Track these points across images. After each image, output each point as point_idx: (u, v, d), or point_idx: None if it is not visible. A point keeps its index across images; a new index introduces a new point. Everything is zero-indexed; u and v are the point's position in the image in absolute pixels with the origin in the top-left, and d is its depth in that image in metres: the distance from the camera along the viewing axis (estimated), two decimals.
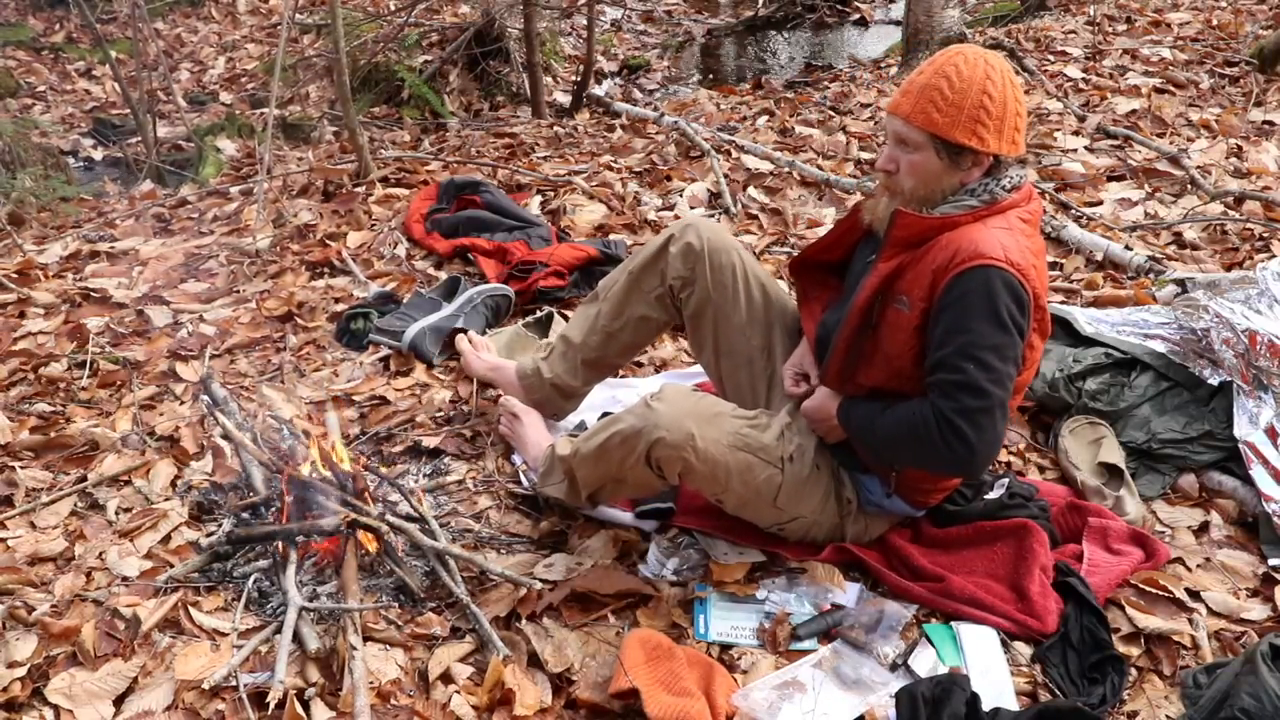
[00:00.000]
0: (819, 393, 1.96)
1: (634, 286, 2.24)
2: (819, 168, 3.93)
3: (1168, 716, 1.74)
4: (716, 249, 2.15)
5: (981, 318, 1.70)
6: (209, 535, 2.07)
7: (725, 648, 1.86)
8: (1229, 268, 3.01)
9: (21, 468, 2.33)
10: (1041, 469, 2.36)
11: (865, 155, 4.11)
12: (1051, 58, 5.31)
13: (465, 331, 2.71)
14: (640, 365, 2.76)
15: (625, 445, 1.85)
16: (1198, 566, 2.06)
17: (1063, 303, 2.83)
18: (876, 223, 1.88)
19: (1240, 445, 2.22)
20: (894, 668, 1.81)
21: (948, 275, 1.72)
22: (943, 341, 1.73)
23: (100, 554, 2.05)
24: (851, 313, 1.84)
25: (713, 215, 3.60)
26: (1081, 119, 4.31)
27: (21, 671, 1.75)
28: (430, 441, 2.40)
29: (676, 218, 3.57)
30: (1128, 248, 3.11)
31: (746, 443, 1.88)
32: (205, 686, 1.70)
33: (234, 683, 1.72)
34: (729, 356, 2.17)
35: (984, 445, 1.73)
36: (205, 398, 2.53)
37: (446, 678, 1.78)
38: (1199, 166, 3.76)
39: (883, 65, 6.24)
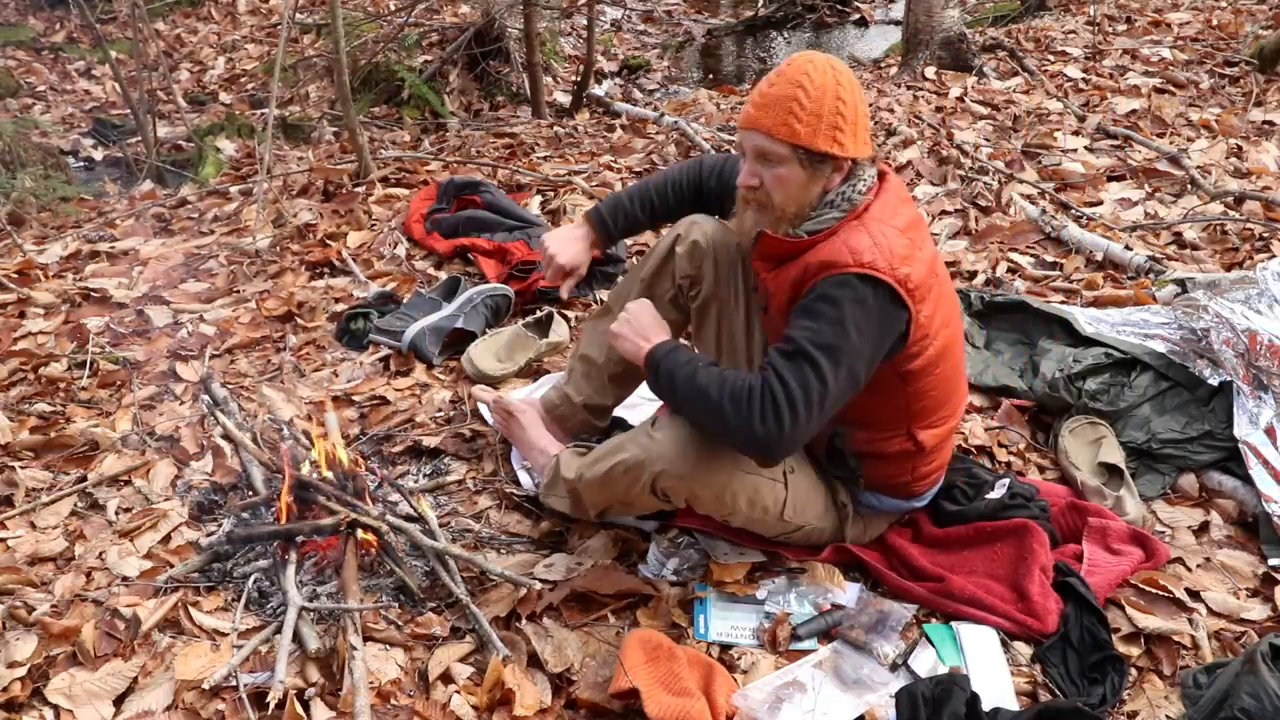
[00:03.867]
0: (642, 305, 1.96)
1: (648, 294, 2.19)
2: None
3: (1168, 716, 1.74)
4: (721, 244, 2.14)
5: (827, 317, 1.68)
6: (209, 535, 2.07)
7: (725, 648, 1.85)
8: (1229, 268, 3.01)
9: (21, 468, 2.33)
10: (1041, 469, 2.36)
11: None
12: (1051, 58, 5.31)
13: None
14: None
15: (629, 475, 1.85)
16: (1198, 566, 2.05)
17: (1063, 303, 2.83)
18: (744, 240, 1.90)
19: (1240, 445, 2.22)
20: (894, 668, 1.80)
21: (809, 282, 1.73)
22: (790, 323, 1.74)
23: (100, 554, 2.05)
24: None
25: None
26: (1081, 119, 4.31)
27: (21, 671, 1.75)
28: (430, 441, 2.40)
29: None
30: (1128, 248, 3.11)
31: (750, 463, 1.86)
32: (205, 686, 1.70)
33: (234, 683, 1.72)
34: (729, 355, 2.17)
35: (744, 417, 1.68)
36: (205, 398, 2.53)
37: (446, 678, 1.78)
38: (1199, 166, 3.76)
39: (883, 65, 6.23)
